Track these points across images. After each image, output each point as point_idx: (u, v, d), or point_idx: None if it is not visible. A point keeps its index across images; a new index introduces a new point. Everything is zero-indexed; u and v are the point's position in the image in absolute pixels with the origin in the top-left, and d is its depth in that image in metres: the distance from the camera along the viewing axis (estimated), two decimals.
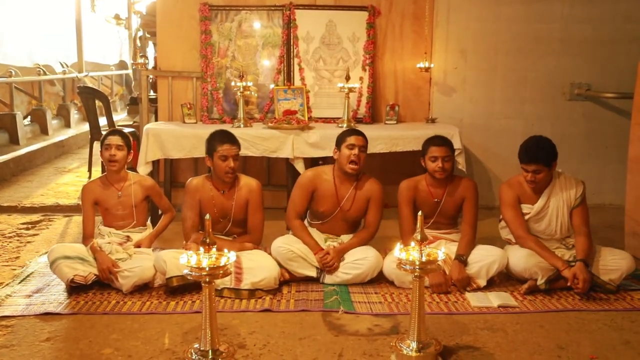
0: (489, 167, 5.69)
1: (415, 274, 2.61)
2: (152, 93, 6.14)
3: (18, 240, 4.58)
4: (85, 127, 8.33)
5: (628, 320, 3.18)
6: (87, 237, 3.70)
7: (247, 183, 3.77)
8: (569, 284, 3.40)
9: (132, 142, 3.86)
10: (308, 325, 3.07)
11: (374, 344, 2.85)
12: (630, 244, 4.19)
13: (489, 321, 3.14)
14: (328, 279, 3.64)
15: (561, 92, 5.65)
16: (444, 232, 3.83)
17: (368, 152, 4.78)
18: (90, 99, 6.92)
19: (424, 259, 2.60)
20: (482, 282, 3.58)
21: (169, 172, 5.15)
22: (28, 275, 3.75)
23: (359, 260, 3.64)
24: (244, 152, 4.25)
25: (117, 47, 16.00)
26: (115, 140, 3.72)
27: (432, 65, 5.44)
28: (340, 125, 4.98)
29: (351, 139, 3.71)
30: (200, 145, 4.53)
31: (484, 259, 3.59)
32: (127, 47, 13.92)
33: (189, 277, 2.56)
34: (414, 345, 2.64)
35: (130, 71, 13.34)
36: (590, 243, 3.54)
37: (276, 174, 5.46)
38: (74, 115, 10.25)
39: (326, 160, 4.56)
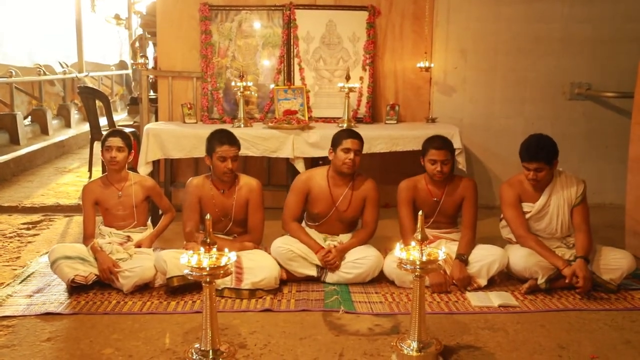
0: (489, 167, 5.69)
1: (416, 274, 2.61)
2: (152, 93, 6.14)
3: (19, 240, 4.58)
4: (86, 127, 8.34)
5: (629, 319, 3.18)
6: (87, 237, 3.70)
7: (248, 182, 3.77)
8: (567, 281, 3.40)
9: (132, 142, 3.86)
10: (309, 325, 3.07)
11: (375, 344, 2.85)
12: (630, 244, 4.19)
13: (489, 321, 3.14)
14: (329, 278, 3.64)
15: (561, 92, 5.65)
16: (444, 232, 3.83)
17: (368, 152, 4.84)
18: (91, 99, 6.92)
19: (424, 258, 2.60)
20: (483, 282, 3.58)
21: (169, 172, 5.15)
22: (29, 276, 3.76)
23: (360, 259, 3.64)
24: (244, 152, 4.25)
25: (117, 47, 16.00)
26: (116, 142, 3.72)
27: (432, 65, 5.45)
28: (340, 125, 4.98)
29: (347, 143, 3.68)
30: (200, 145, 4.53)
31: (485, 259, 3.59)
32: (127, 47, 13.92)
33: (189, 277, 2.56)
34: (414, 345, 2.64)
35: (130, 71, 13.33)
36: (590, 241, 3.54)
37: (276, 174, 5.46)
38: (74, 115, 10.25)
39: (326, 160, 4.54)
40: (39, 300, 3.35)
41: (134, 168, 4.54)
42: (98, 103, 6.97)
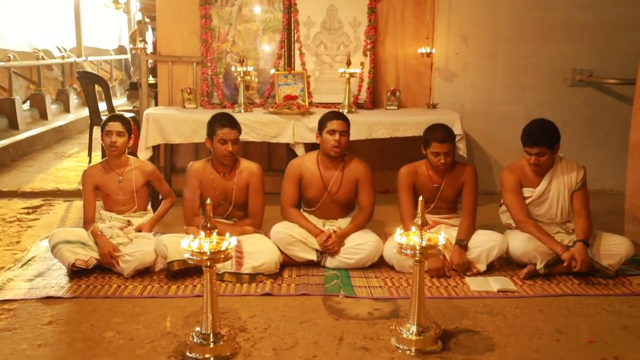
0: (490, 153, 5.69)
1: (416, 259, 2.62)
2: (151, 78, 6.11)
3: (19, 224, 4.59)
4: (85, 112, 8.32)
5: (627, 305, 3.19)
6: (88, 221, 3.71)
7: (248, 167, 3.78)
8: (565, 264, 3.41)
9: (132, 126, 3.85)
10: (309, 309, 3.08)
11: (374, 328, 2.87)
12: (630, 230, 4.20)
13: (488, 305, 3.16)
14: (329, 262, 3.66)
15: (563, 78, 5.63)
16: (444, 217, 3.84)
17: (369, 137, 4.84)
18: (90, 84, 6.89)
19: (424, 243, 2.61)
20: (482, 267, 3.59)
21: (169, 157, 5.15)
22: (29, 260, 3.77)
23: (360, 245, 3.65)
24: (244, 137, 4.25)
25: (116, 32, 15.91)
26: (116, 126, 3.71)
27: (433, 51, 5.42)
28: (341, 110, 4.95)
29: (332, 124, 3.70)
30: (200, 130, 4.53)
31: (484, 244, 3.60)
32: (126, 31, 13.84)
33: (190, 262, 2.57)
34: (414, 329, 2.65)
35: (129, 56, 13.27)
36: (590, 225, 3.55)
37: (277, 159, 5.46)
38: (73, 100, 10.21)
39: None
40: (40, 284, 3.36)
41: (133, 153, 4.54)
42: (97, 88, 6.95)
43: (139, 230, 3.73)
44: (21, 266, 3.65)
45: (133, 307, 3.08)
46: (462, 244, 3.62)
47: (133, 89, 8.72)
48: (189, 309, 3.06)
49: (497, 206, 4.03)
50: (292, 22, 5.31)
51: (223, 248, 2.52)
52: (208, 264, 2.52)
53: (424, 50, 5.34)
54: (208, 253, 2.50)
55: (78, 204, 5.05)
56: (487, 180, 5.49)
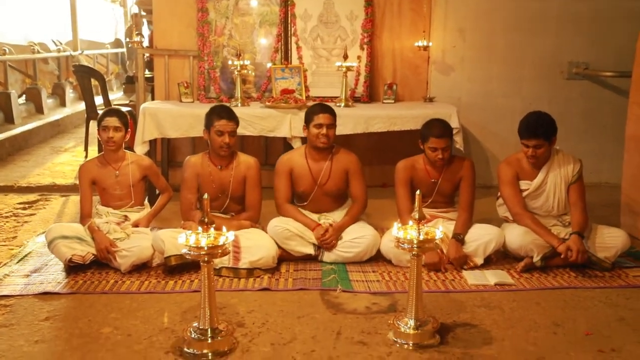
0: (487, 146, 5.69)
1: (414, 253, 2.63)
2: (147, 72, 6.08)
3: (15, 220, 4.57)
4: (81, 106, 8.29)
5: (623, 297, 3.21)
6: (84, 216, 3.70)
7: (246, 160, 3.79)
8: (562, 256, 3.42)
9: (129, 121, 3.84)
10: (306, 303, 3.09)
11: (372, 322, 2.87)
12: (626, 222, 4.21)
13: (485, 299, 3.17)
14: (327, 257, 3.66)
15: (559, 71, 5.63)
16: (442, 211, 3.84)
17: (366, 131, 4.84)
18: (86, 78, 6.86)
19: (422, 237, 2.61)
20: (479, 261, 3.60)
21: (166, 152, 5.13)
22: (26, 255, 3.76)
23: (357, 238, 3.65)
24: (241, 131, 4.24)
25: (113, 25, 15.82)
26: (113, 121, 3.70)
27: (430, 44, 5.41)
28: (338, 104, 4.95)
29: (319, 118, 3.72)
30: (197, 124, 4.52)
31: (481, 238, 3.61)
32: (123, 25, 13.76)
33: (187, 257, 2.56)
34: (411, 322, 2.66)
35: (125, 50, 13.20)
36: (585, 217, 3.56)
37: (274, 153, 5.44)
38: (70, 94, 10.16)
39: None
40: (37, 279, 3.36)
41: (130, 147, 4.53)
42: (93, 82, 6.92)
43: (136, 225, 3.73)
44: (18, 262, 3.65)
45: (130, 302, 3.08)
46: (459, 237, 3.62)
47: (129, 83, 8.69)
48: (186, 304, 3.06)
49: (494, 199, 4.04)
50: (289, 15, 5.29)
51: (220, 243, 2.52)
52: (206, 259, 2.52)
53: (420, 43, 5.33)
54: (205, 248, 2.49)
55: (75, 198, 5.03)
56: (484, 174, 5.49)
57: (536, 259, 3.51)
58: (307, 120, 3.78)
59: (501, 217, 3.92)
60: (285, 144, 5.01)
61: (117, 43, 14.32)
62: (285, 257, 3.66)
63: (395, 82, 5.41)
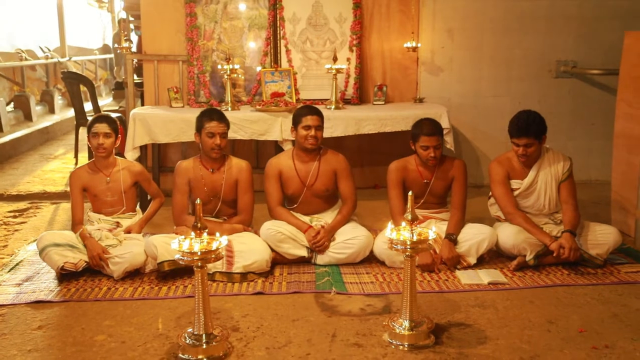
0: (477, 146, 5.72)
1: (407, 254, 2.63)
2: (135, 77, 6.06)
3: (5, 228, 4.54)
4: (70, 112, 8.24)
5: (615, 293, 3.23)
6: (76, 223, 3.68)
7: (237, 163, 3.80)
8: (554, 254, 3.44)
9: (119, 127, 3.82)
10: (301, 306, 3.09)
11: (367, 324, 2.87)
12: (616, 219, 4.24)
13: (479, 298, 3.18)
14: (320, 259, 3.66)
15: (547, 70, 5.67)
16: (434, 212, 3.86)
17: (357, 133, 4.85)
18: (75, 84, 6.83)
19: (415, 238, 2.62)
20: (472, 260, 3.61)
21: (157, 157, 5.11)
22: (17, 264, 3.73)
23: (350, 240, 3.65)
24: (232, 135, 4.23)
25: (100, 31, 15.76)
26: (103, 128, 3.68)
27: (419, 45, 5.43)
28: (328, 107, 4.96)
29: (307, 120, 3.73)
30: (188, 129, 4.51)
31: (474, 237, 3.62)
32: (110, 30, 13.70)
33: (181, 262, 2.55)
34: (406, 323, 2.67)
35: (113, 55, 13.15)
36: (577, 215, 3.58)
37: (265, 156, 5.40)
38: (58, 100, 10.10)
39: None
40: (29, 288, 3.33)
41: (121, 153, 4.51)
42: (82, 88, 6.88)
43: (128, 231, 3.70)
44: (9, 270, 3.62)
45: (124, 309, 3.06)
46: (451, 237, 3.63)
47: (119, 89, 8.64)
48: (180, 310, 3.04)
49: (486, 199, 4.05)
50: (278, 18, 5.29)
51: (214, 248, 2.51)
52: (199, 264, 2.51)
53: (409, 44, 5.35)
54: (199, 253, 2.49)
55: (65, 206, 5.00)
56: (475, 173, 5.52)
57: (529, 257, 3.53)
58: (295, 122, 3.79)
59: (493, 216, 3.93)
60: (276, 148, 5.00)
61: (105, 49, 14.26)
62: (278, 260, 3.66)
63: (385, 83, 5.43)
